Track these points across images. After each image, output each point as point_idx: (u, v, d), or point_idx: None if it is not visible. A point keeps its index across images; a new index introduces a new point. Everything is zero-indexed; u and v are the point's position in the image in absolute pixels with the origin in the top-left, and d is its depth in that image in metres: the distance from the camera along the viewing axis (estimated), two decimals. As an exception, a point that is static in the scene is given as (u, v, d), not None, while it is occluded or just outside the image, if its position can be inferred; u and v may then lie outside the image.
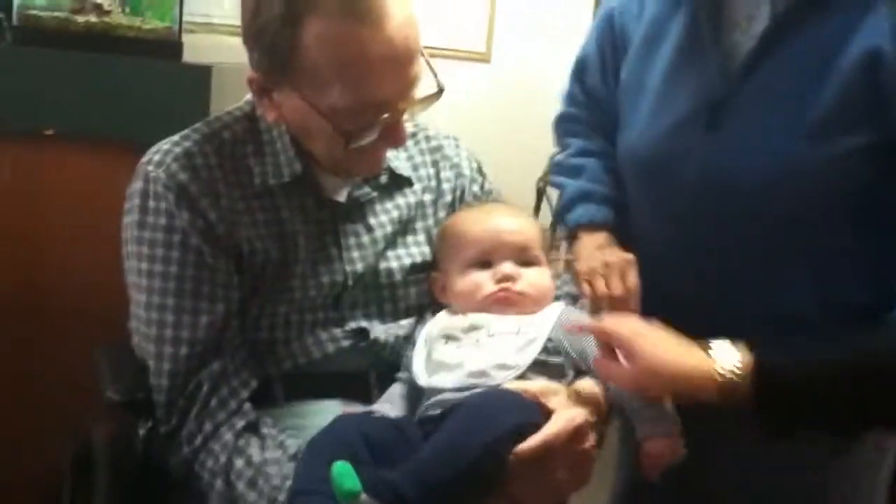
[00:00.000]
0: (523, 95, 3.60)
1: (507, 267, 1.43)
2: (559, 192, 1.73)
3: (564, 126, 1.77)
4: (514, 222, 1.48)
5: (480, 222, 1.47)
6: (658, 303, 1.44)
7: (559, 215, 1.70)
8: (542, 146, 3.59)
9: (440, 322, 1.43)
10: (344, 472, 1.14)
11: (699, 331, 1.29)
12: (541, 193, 3.78)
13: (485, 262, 1.44)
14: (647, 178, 1.56)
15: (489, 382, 1.32)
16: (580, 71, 1.74)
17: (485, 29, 3.64)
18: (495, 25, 3.65)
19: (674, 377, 1.26)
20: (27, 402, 2.34)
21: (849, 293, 1.44)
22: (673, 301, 1.42)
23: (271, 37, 1.28)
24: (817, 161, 1.38)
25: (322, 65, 1.27)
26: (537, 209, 3.75)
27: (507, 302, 1.42)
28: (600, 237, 1.60)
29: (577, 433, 1.27)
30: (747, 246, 1.45)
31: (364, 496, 1.14)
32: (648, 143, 1.53)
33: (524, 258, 1.45)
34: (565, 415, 1.28)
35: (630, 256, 1.53)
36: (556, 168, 1.75)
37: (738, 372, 1.23)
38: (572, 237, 1.65)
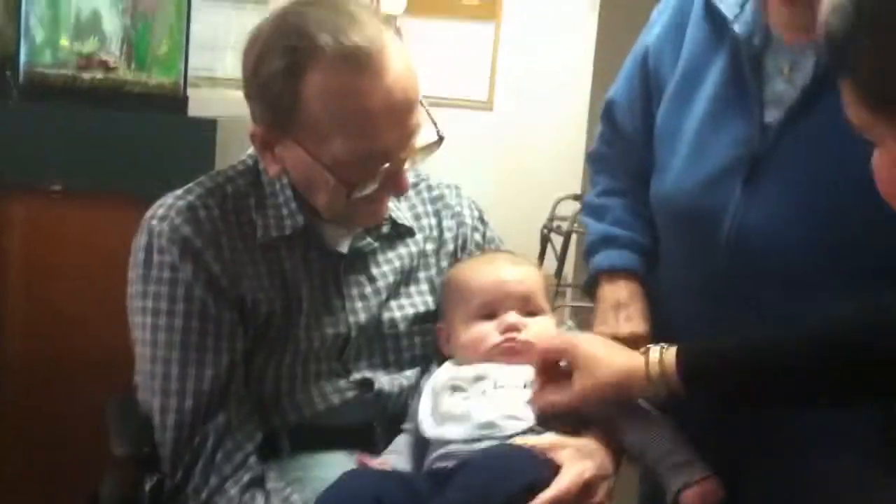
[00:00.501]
0: (525, 143, 3.62)
1: (512, 317, 1.43)
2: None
3: (594, 164, 1.73)
4: (518, 272, 1.48)
5: (484, 273, 1.48)
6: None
7: (584, 258, 1.66)
8: (545, 193, 3.64)
9: (446, 373, 1.43)
10: None
11: None
12: (545, 240, 3.79)
13: (489, 313, 1.44)
14: (681, 229, 1.51)
15: (497, 434, 1.32)
16: (610, 110, 1.68)
17: (487, 78, 3.67)
18: (497, 74, 3.68)
19: (611, 376, 1.31)
20: (36, 458, 2.34)
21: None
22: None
23: (273, 91, 1.31)
24: (853, 222, 1.33)
25: (323, 117, 1.29)
26: (542, 256, 3.75)
27: (512, 352, 1.42)
28: (621, 289, 1.56)
29: (586, 487, 1.27)
30: (775, 302, 1.39)
31: None
32: (684, 193, 1.48)
33: (528, 308, 1.45)
34: (574, 469, 1.27)
35: (642, 332, 1.51)
36: (584, 207, 1.71)
37: (662, 360, 1.28)
38: (594, 283, 1.61)
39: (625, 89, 1.64)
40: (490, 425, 1.32)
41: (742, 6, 1.45)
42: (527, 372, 1.39)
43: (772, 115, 1.40)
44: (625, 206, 1.63)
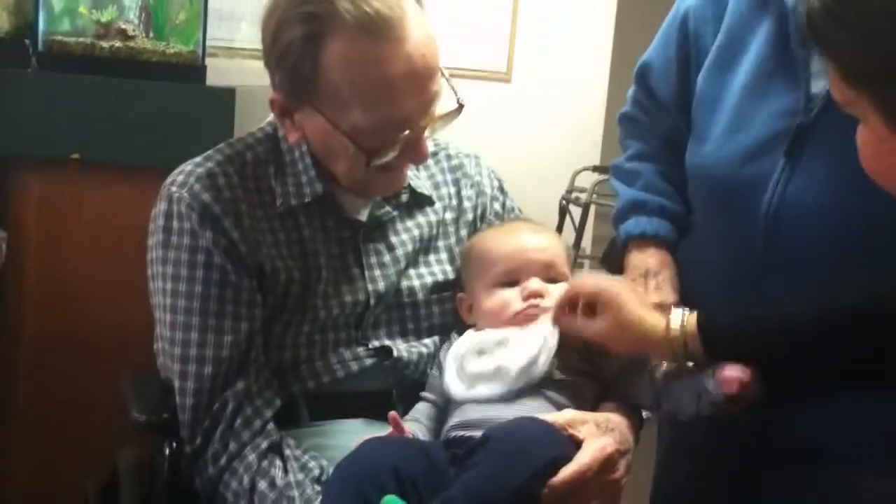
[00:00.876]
0: (544, 115, 3.60)
1: (535, 283, 1.43)
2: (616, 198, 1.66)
3: (625, 127, 1.67)
4: (540, 239, 1.48)
5: (506, 241, 1.47)
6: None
7: (613, 223, 1.63)
8: (563, 165, 3.62)
9: (469, 339, 1.43)
10: None
11: None
12: (563, 211, 3.78)
13: (512, 281, 1.44)
14: (718, 201, 1.47)
15: (536, 373, 1.34)
16: (644, 74, 1.62)
17: (506, 49, 3.65)
18: (516, 45, 3.65)
19: (636, 333, 1.31)
20: (52, 431, 2.35)
21: None
22: None
23: (292, 58, 1.30)
24: None
25: (343, 85, 1.29)
26: (560, 227, 3.75)
27: (536, 319, 1.42)
28: (651, 257, 1.53)
29: (607, 462, 1.27)
30: (812, 281, 1.34)
31: None
32: (723, 164, 1.43)
33: (550, 275, 1.45)
34: (596, 444, 1.27)
35: (671, 301, 1.46)
36: (613, 171, 1.66)
37: (682, 327, 1.28)
38: (624, 249, 1.58)
39: (661, 52, 1.59)
40: (531, 364, 1.34)
41: None
42: (548, 331, 1.39)
43: (818, 87, 1.35)
44: (656, 172, 1.59)
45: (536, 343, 1.37)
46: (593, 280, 1.38)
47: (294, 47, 1.29)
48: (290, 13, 1.30)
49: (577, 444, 1.27)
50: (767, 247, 1.37)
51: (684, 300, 1.49)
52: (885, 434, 1.34)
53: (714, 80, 1.49)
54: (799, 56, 1.37)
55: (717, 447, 1.47)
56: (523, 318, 1.42)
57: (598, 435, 1.29)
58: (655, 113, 1.61)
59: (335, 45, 1.27)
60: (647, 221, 1.55)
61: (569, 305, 1.37)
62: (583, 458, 1.25)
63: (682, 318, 1.29)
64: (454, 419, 1.36)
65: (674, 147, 1.56)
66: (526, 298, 1.42)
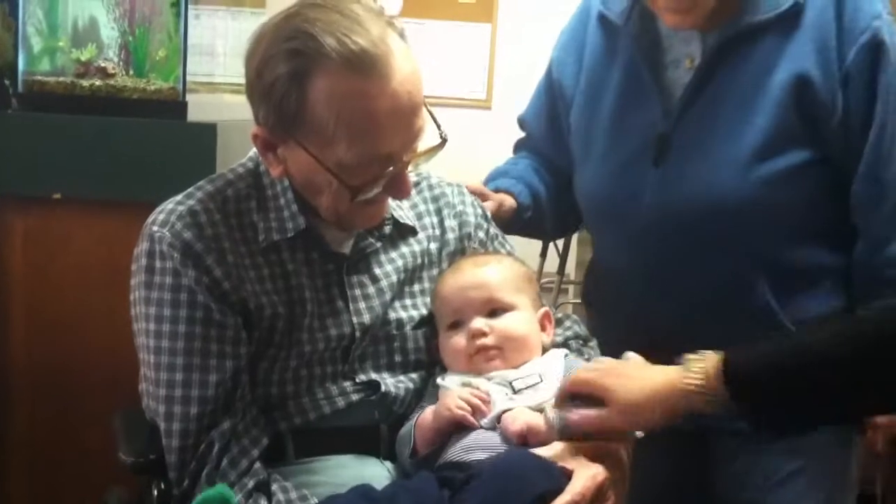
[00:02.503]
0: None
1: (477, 322, 1.42)
2: None
3: (514, 150, 1.93)
4: (476, 275, 1.46)
5: (447, 283, 1.48)
6: (631, 329, 1.56)
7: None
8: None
9: (454, 377, 1.43)
10: None
11: (667, 345, 1.32)
12: (547, 236, 3.79)
13: (457, 322, 1.44)
14: (604, 215, 1.68)
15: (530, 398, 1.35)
16: (522, 126, 1.91)
17: (485, 76, 3.68)
18: (495, 72, 3.68)
19: (651, 404, 1.27)
20: (41, 468, 2.33)
21: (808, 304, 1.56)
22: (641, 326, 1.55)
23: (278, 94, 1.30)
24: (759, 183, 1.50)
25: (328, 121, 1.29)
26: (544, 253, 3.75)
27: (487, 357, 1.41)
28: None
29: (598, 491, 1.27)
30: (705, 267, 1.56)
31: None
32: (602, 183, 1.66)
33: (492, 309, 1.44)
34: (587, 473, 1.28)
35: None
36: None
37: (701, 376, 1.23)
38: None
39: (534, 102, 1.87)
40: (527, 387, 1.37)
41: (630, 12, 1.64)
42: (538, 365, 1.41)
43: (672, 99, 1.59)
44: (530, 166, 1.83)
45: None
46: (585, 376, 1.32)
47: (280, 83, 1.30)
48: (275, 49, 1.30)
49: (568, 476, 1.27)
50: (655, 249, 1.58)
51: (598, 313, 1.76)
52: None
53: (584, 115, 1.73)
54: (649, 78, 1.60)
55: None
56: (477, 360, 1.41)
57: (589, 464, 1.29)
58: (536, 152, 1.86)
59: (321, 82, 1.28)
60: (504, 181, 1.80)
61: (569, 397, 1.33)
62: (574, 488, 1.25)
63: (700, 371, 1.24)
64: (455, 451, 1.35)
65: (552, 169, 1.82)
66: (471, 340, 1.42)
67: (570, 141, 1.75)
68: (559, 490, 1.24)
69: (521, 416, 1.32)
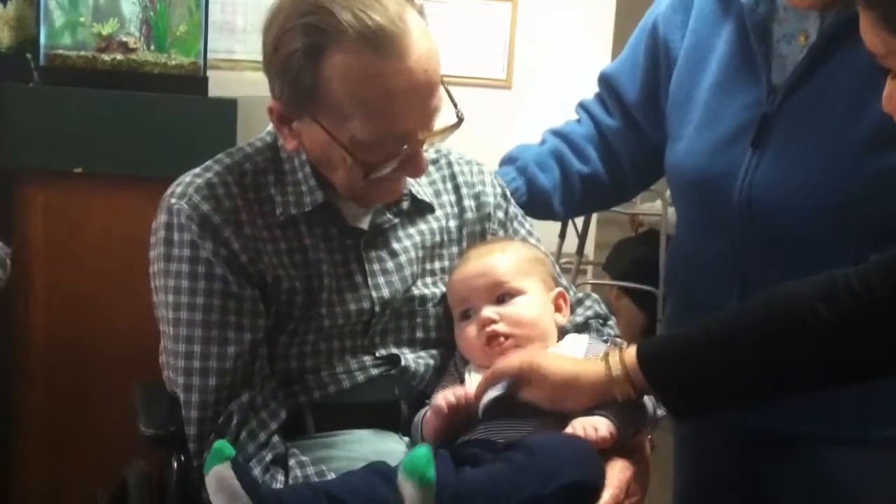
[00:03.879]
0: (544, 121, 3.60)
1: (486, 311, 1.42)
2: None
3: (581, 111, 1.81)
4: (480, 265, 1.45)
5: (456, 274, 1.48)
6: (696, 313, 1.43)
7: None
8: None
9: (477, 373, 1.42)
10: (427, 459, 1.15)
11: None
12: (565, 217, 3.78)
13: (467, 312, 1.44)
14: (691, 193, 1.56)
15: None
16: (609, 79, 1.74)
17: (505, 56, 3.66)
18: (515, 52, 3.66)
19: (579, 390, 1.30)
20: (60, 441, 2.36)
21: None
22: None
23: (294, 69, 1.30)
24: (867, 177, 1.37)
25: (343, 97, 1.28)
26: (563, 234, 3.75)
27: (499, 345, 1.41)
28: None
29: (628, 485, 1.29)
30: (790, 261, 1.43)
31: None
32: (693, 159, 1.53)
33: (498, 295, 1.43)
34: (618, 466, 1.29)
35: None
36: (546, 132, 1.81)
37: (620, 364, 1.28)
38: None
39: (630, 59, 1.71)
40: None
41: None
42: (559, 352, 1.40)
43: (779, 78, 1.45)
44: (552, 150, 1.75)
45: None
46: (510, 360, 1.35)
47: (295, 58, 1.29)
48: (291, 23, 1.30)
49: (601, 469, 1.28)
50: (744, 232, 1.46)
51: (679, 296, 1.63)
52: (854, 411, 1.41)
53: (684, 82, 1.59)
54: (759, 52, 1.47)
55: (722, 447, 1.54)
56: (491, 350, 1.41)
57: (616, 458, 1.31)
58: (619, 116, 1.72)
59: (337, 58, 1.27)
60: (506, 170, 1.73)
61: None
62: (612, 483, 1.27)
63: (618, 359, 1.29)
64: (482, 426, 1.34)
65: (603, 142, 1.72)
66: (481, 329, 1.41)
67: (668, 105, 1.62)
68: (590, 482, 1.25)
69: (603, 424, 1.29)
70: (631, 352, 1.29)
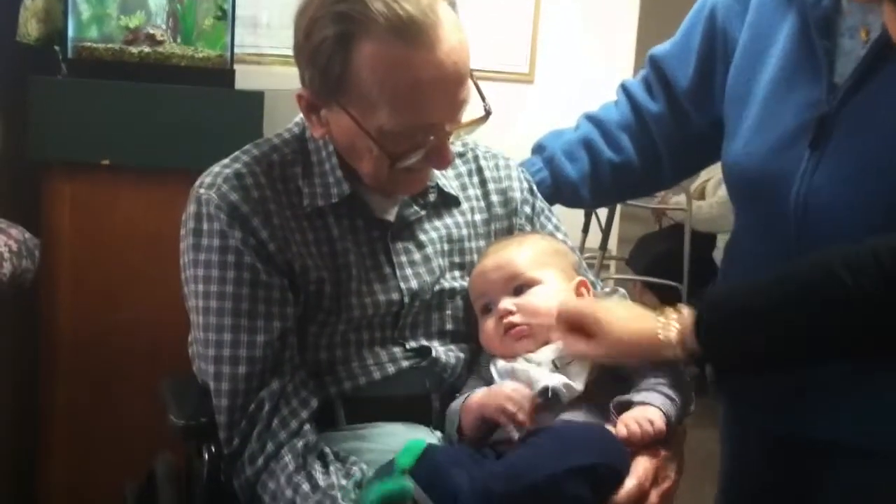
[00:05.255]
0: (567, 116, 3.59)
1: (503, 304, 1.42)
2: None
3: (619, 92, 1.77)
4: (496, 259, 1.46)
5: (475, 270, 1.49)
6: None
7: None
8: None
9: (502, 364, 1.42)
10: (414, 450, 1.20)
11: None
12: (589, 212, 3.78)
13: (487, 306, 1.45)
14: (747, 193, 1.52)
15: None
16: (659, 61, 1.69)
17: (528, 50, 3.66)
18: (538, 46, 3.66)
19: (631, 341, 1.33)
20: (87, 432, 2.37)
21: None
22: None
23: (323, 57, 1.30)
24: None
25: (372, 87, 1.28)
26: (586, 229, 3.74)
27: (520, 335, 1.41)
28: None
29: (659, 469, 1.30)
30: None
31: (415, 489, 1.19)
32: (753, 159, 1.47)
33: (515, 287, 1.43)
34: (646, 453, 1.29)
35: None
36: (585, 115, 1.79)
37: (676, 326, 1.30)
38: None
39: (683, 44, 1.65)
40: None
41: None
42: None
43: (840, 76, 1.39)
44: (583, 138, 1.73)
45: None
46: (575, 305, 1.38)
47: (326, 46, 1.30)
48: (323, 11, 1.30)
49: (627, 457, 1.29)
50: (799, 236, 1.40)
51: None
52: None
53: (742, 77, 1.52)
54: (821, 48, 1.40)
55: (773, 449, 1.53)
56: (510, 340, 1.41)
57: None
58: (665, 100, 1.68)
59: (367, 47, 1.27)
60: (532, 161, 1.73)
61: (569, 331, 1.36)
62: (638, 470, 1.27)
63: (675, 323, 1.31)
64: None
65: (641, 128, 1.69)
66: (499, 321, 1.42)
67: (725, 101, 1.56)
68: (612, 465, 1.25)
69: (657, 415, 1.31)
70: (686, 317, 1.31)
